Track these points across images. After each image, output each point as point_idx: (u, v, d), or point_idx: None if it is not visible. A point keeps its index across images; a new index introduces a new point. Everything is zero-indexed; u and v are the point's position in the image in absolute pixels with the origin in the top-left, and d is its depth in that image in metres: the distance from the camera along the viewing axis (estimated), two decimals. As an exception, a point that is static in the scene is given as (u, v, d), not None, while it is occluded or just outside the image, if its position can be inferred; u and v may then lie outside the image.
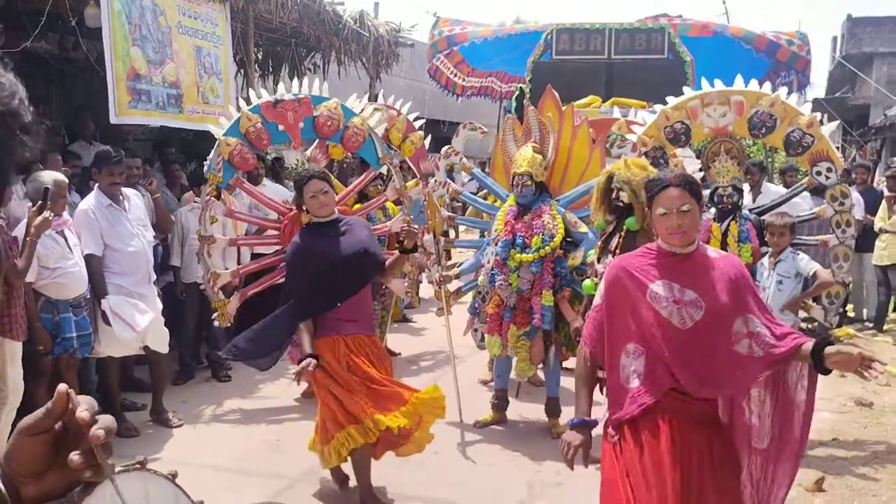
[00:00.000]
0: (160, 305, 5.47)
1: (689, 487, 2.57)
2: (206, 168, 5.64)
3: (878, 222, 8.37)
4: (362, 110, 6.11)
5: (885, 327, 8.62)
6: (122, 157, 5.30)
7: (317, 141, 6.37)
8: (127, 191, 5.34)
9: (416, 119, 7.54)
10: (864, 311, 9.17)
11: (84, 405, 0.88)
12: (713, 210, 5.32)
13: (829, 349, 2.52)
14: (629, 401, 2.71)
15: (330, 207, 4.10)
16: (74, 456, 0.84)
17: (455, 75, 13.47)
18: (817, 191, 5.76)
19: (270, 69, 11.24)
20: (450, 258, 8.23)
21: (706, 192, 6.23)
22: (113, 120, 6.27)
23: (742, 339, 2.63)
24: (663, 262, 2.74)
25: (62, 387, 0.89)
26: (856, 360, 2.47)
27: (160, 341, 5.40)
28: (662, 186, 2.71)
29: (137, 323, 5.07)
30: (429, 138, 7.53)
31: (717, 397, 2.72)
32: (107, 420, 0.88)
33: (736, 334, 2.63)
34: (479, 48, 12.78)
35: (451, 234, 12.28)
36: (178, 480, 1.01)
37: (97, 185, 5.16)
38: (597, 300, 2.91)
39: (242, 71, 9.23)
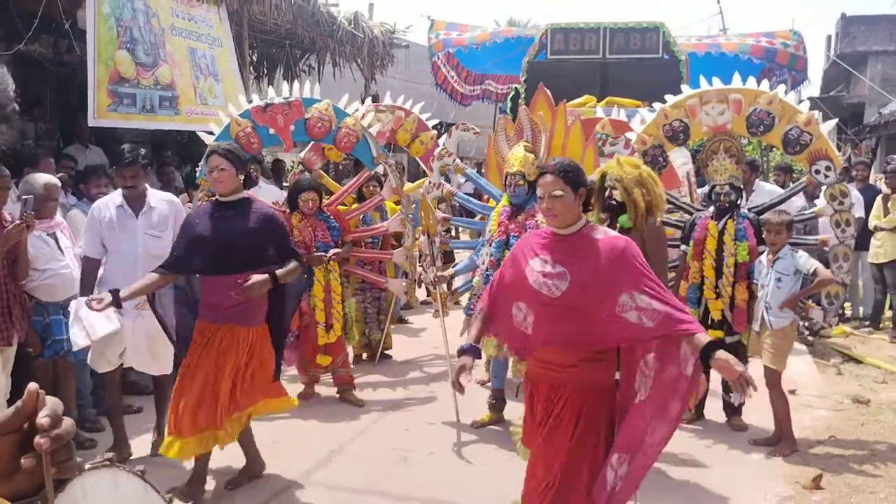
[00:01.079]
0: (151, 326, 4.57)
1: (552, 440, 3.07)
2: (198, 173, 5.63)
3: (874, 220, 8.37)
4: (363, 115, 6.10)
5: (881, 325, 8.63)
6: (133, 158, 4.74)
7: (311, 143, 6.36)
8: (159, 196, 4.93)
9: (428, 119, 7.53)
10: (861, 308, 9.17)
11: (46, 410, 0.88)
12: (711, 208, 5.32)
13: (717, 354, 2.81)
14: (526, 347, 3.19)
15: (225, 185, 4.06)
16: (24, 459, 0.83)
17: (457, 83, 13.53)
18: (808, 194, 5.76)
19: (265, 71, 11.25)
20: (453, 259, 8.22)
21: (703, 190, 6.27)
22: (91, 122, 6.27)
23: (630, 311, 2.94)
24: (548, 241, 3.10)
25: (32, 386, 0.88)
26: (735, 376, 2.78)
27: (146, 361, 4.82)
28: (541, 173, 3.09)
29: (96, 331, 4.36)
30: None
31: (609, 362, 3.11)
32: (66, 424, 0.88)
33: (622, 305, 2.94)
34: (476, 54, 12.82)
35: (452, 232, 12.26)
36: (147, 476, 1.01)
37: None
38: (504, 264, 3.34)
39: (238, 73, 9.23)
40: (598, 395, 3.07)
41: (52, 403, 0.89)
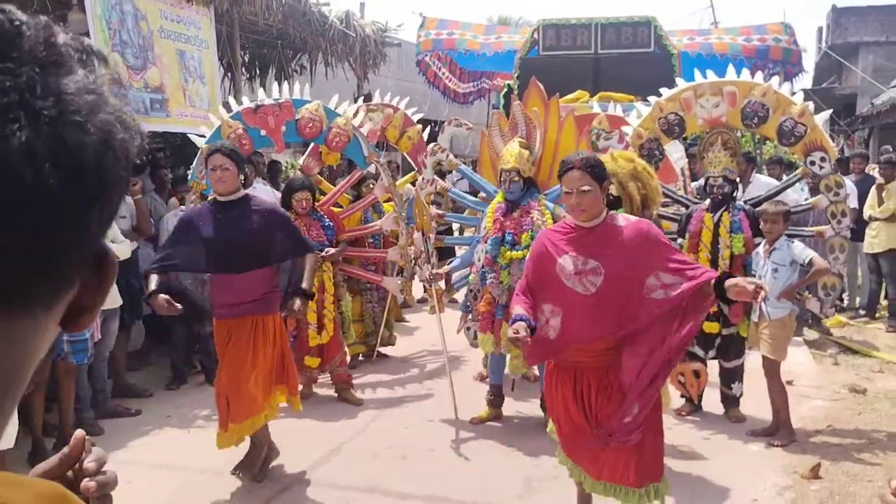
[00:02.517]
0: None
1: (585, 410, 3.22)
2: (189, 176, 5.63)
3: (868, 210, 8.39)
4: (356, 114, 6.10)
5: (877, 314, 8.65)
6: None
7: (310, 149, 6.37)
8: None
9: (413, 114, 7.53)
10: (858, 298, 9.20)
11: (93, 455, 0.87)
12: (707, 201, 5.32)
13: (728, 282, 2.94)
14: (549, 352, 3.26)
15: (227, 185, 4.12)
16: None
17: (450, 80, 13.50)
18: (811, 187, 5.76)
19: (257, 72, 11.22)
20: (450, 256, 8.22)
21: (697, 184, 6.28)
22: None
23: (657, 290, 3.03)
24: (573, 235, 3.13)
25: (79, 433, 0.87)
26: (748, 292, 2.90)
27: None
28: (567, 168, 3.10)
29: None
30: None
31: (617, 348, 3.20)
32: (110, 474, 0.87)
33: (649, 287, 3.02)
34: (467, 55, 12.84)
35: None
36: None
37: None
38: (526, 263, 3.37)
39: (229, 74, 9.21)
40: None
41: (97, 451, 0.89)
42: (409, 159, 7.34)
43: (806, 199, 5.86)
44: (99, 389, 5.57)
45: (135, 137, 0.65)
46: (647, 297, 3.03)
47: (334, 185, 6.81)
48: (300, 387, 5.97)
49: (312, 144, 6.31)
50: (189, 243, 4.14)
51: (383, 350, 7.10)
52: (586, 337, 3.12)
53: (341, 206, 6.50)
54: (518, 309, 3.25)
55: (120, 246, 5.39)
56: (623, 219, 3.17)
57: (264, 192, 6.76)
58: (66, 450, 0.87)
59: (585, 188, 3.03)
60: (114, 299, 5.42)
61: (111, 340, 5.63)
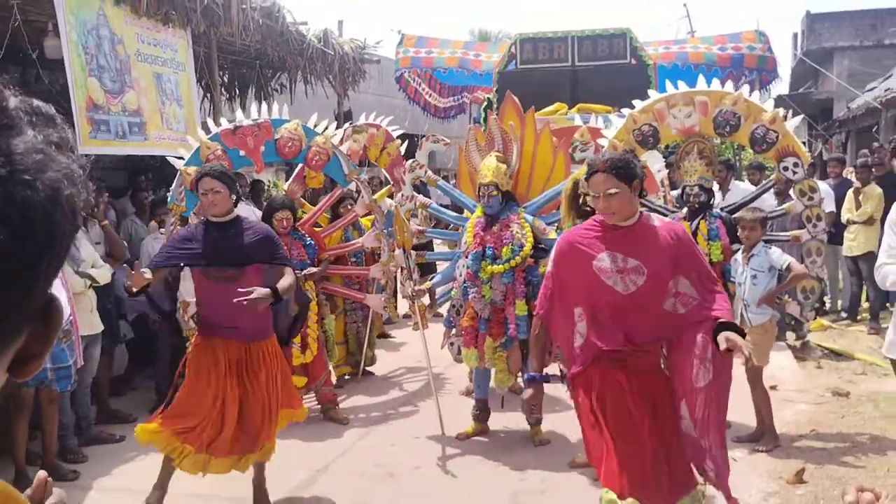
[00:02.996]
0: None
1: (636, 420, 3.00)
2: (169, 198, 5.62)
3: (846, 214, 8.47)
4: (342, 141, 6.14)
5: (859, 317, 8.72)
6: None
7: (295, 173, 6.37)
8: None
9: (394, 130, 7.55)
10: (839, 301, 9.27)
11: (54, 498, 0.88)
12: (685, 209, 5.37)
13: (725, 334, 2.86)
14: (576, 359, 3.12)
15: (220, 207, 4.08)
16: None
17: (430, 95, 13.55)
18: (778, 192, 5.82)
19: (237, 92, 11.21)
20: (434, 270, 8.22)
21: (676, 193, 6.33)
22: (79, 151, 6.22)
23: (669, 298, 2.95)
24: (608, 234, 3.04)
25: (41, 475, 0.89)
26: (741, 351, 2.84)
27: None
28: (592, 172, 3.01)
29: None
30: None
31: (657, 350, 3.14)
32: None
33: (666, 292, 2.96)
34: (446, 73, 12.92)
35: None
36: None
37: None
38: (548, 271, 3.23)
39: (209, 95, 9.20)
40: (651, 376, 3.11)
41: (58, 493, 0.90)
42: (386, 174, 7.34)
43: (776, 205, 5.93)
44: (82, 416, 5.52)
45: (81, 192, 0.67)
46: (661, 307, 2.96)
47: (315, 205, 6.82)
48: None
49: (298, 168, 6.31)
50: (187, 249, 4.12)
51: (368, 368, 7.09)
52: (612, 340, 3.01)
53: (321, 226, 6.50)
54: (532, 363, 3.26)
55: (100, 270, 5.37)
56: (657, 219, 3.13)
57: (247, 212, 6.75)
58: (28, 491, 0.88)
59: (613, 191, 2.94)
60: (94, 325, 5.39)
61: (94, 366, 5.58)
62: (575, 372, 3.15)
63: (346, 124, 7.75)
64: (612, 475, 2.99)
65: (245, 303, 3.84)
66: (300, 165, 6.20)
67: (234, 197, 4.16)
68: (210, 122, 6.07)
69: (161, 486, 4.17)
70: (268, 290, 3.98)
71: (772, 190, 6.36)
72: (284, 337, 4.48)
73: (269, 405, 4.15)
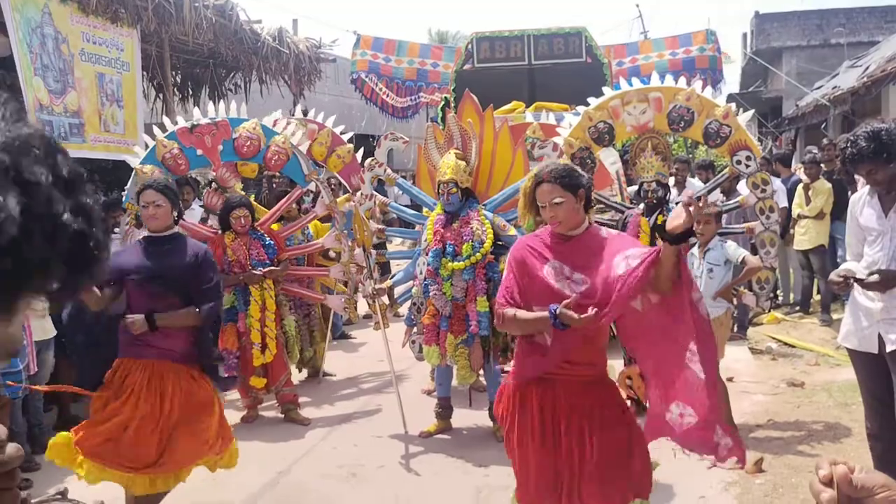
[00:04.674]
0: None
1: (561, 440, 3.03)
2: (124, 198, 5.50)
3: (797, 209, 8.65)
4: (286, 127, 6.05)
5: (811, 309, 8.92)
6: None
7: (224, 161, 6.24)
8: None
9: (343, 133, 7.44)
10: (792, 295, 9.47)
11: (11, 448, 0.87)
12: (642, 205, 5.42)
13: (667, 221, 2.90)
14: (531, 363, 3.11)
15: (159, 222, 3.87)
16: None
17: (387, 95, 13.49)
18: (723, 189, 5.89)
19: (190, 91, 11.06)
20: (389, 270, 8.18)
21: (634, 188, 6.39)
22: None
23: (620, 264, 2.89)
24: (555, 243, 3.07)
25: None
26: (683, 213, 2.85)
27: None
28: (537, 183, 3.06)
29: None
30: (360, 152, 7.34)
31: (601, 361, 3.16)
32: (9, 450, 0.86)
33: (615, 266, 2.89)
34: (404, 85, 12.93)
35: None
36: None
37: None
38: (506, 274, 3.23)
39: (161, 95, 9.05)
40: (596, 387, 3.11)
41: (13, 446, 0.87)
42: (341, 179, 7.20)
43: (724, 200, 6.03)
44: (35, 423, 5.38)
45: None
46: (613, 281, 2.88)
47: (274, 205, 6.73)
48: (246, 411, 5.90)
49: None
50: (121, 262, 3.84)
51: (326, 369, 7.03)
52: (571, 345, 2.99)
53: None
54: (522, 313, 3.10)
55: None
56: (606, 231, 3.13)
57: (201, 213, 6.65)
58: None
59: (558, 200, 2.98)
60: (47, 330, 5.25)
61: (46, 372, 5.43)
62: (525, 375, 3.14)
63: (297, 111, 7.64)
64: (519, 484, 3.26)
65: (127, 322, 3.69)
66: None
67: (175, 213, 3.95)
68: (167, 120, 5.95)
69: None
70: (141, 317, 3.75)
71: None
72: (203, 362, 4.07)
73: (165, 431, 3.80)
